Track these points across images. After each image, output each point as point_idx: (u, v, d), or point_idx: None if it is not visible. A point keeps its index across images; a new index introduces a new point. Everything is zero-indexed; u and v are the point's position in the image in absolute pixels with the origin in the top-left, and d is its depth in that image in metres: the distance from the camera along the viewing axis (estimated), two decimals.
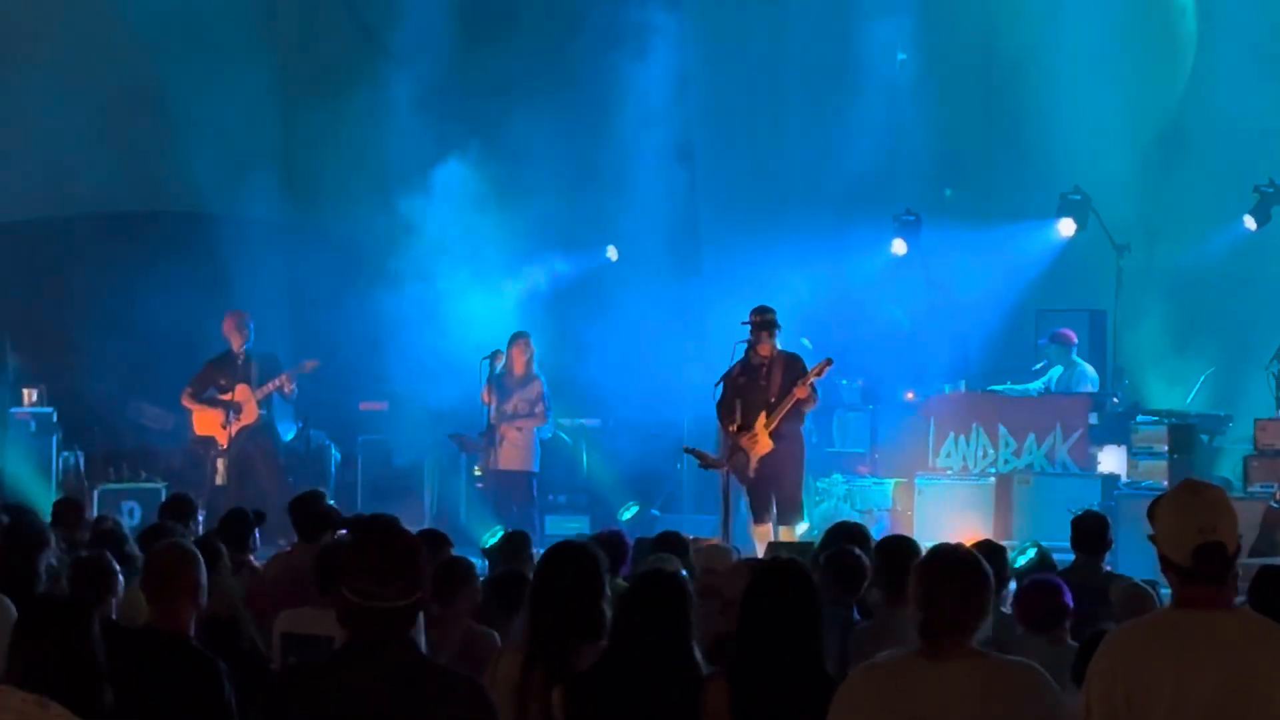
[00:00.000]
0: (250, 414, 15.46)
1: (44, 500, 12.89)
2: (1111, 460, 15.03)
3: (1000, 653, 4.99)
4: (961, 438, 15.62)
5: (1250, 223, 16.01)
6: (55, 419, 15.88)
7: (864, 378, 16.42)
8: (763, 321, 13.01)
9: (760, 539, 12.67)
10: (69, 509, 10.34)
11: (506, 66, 17.15)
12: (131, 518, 14.46)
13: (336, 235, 18.25)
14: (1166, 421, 14.80)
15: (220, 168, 17.05)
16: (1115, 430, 15.14)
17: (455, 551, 8.25)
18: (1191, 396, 15.98)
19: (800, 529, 13.00)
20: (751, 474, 12.99)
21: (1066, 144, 16.55)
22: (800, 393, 12.88)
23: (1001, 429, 15.47)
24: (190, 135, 17.02)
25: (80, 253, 17.19)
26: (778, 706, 5.43)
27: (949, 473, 15.47)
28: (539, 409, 15.22)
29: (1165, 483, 13.56)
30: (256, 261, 16.85)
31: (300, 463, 16.19)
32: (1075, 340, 15.89)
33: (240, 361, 15.49)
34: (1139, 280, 16.37)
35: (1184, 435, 14.69)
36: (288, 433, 16.18)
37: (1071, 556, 8.75)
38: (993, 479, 15.15)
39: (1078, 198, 16.44)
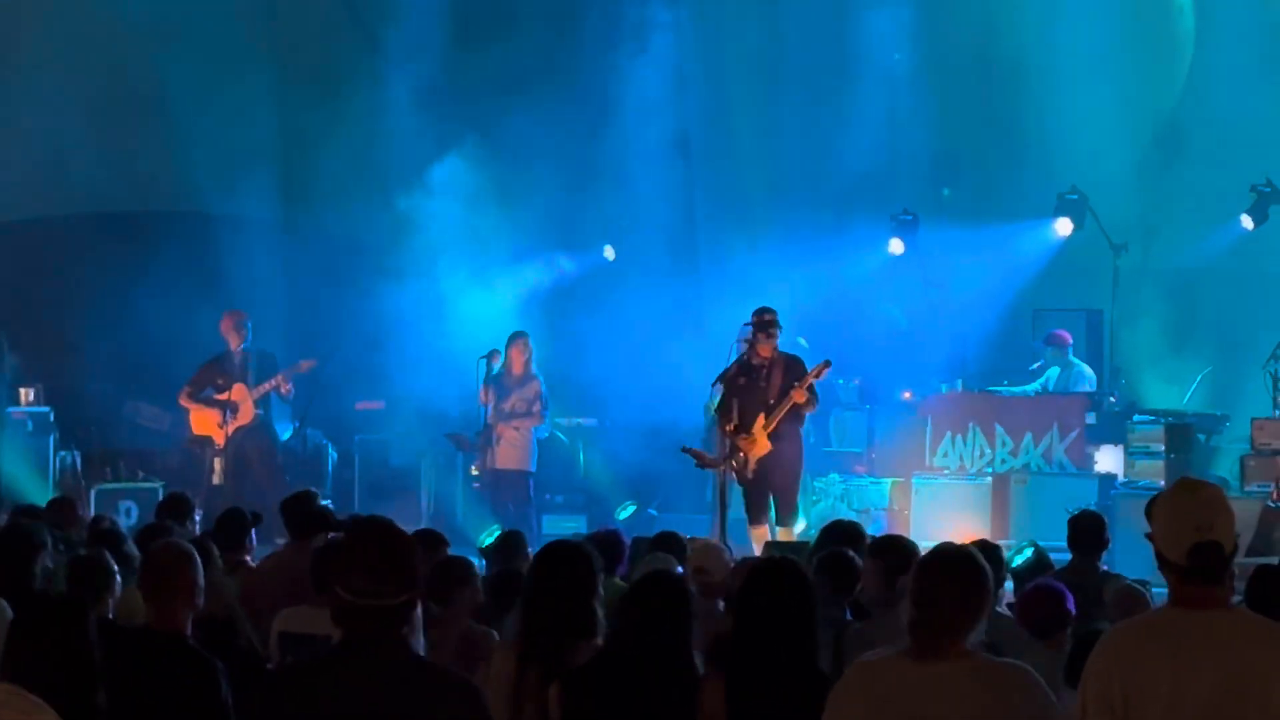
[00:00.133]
0: (247, 413, 15.46)
1: (41, 500, 12.87)
2: (1108, 460, 15.04)
3: (997, 651, 4.99)
4: (958, 437, 15.62)
5: (1247, 222, 16.01)
6: (52, 418, 15.86)
7: (861, 377, 16.41)
8: (764, 322, 13.00)
9: (757, 541, 12.66)
10: (62, 508, 10.33)
11: (504, 64, 17.13)
12: (128, 517, 14.45)
13: (334, 234, 18.24)
14: (1163, 421, 14.81)
15: (218, 167, 17.05)
16: (1112, 430, 15.14)
17: (452, 551, 8.25)
18: (1188, 396, 15.98)
19: (798, 528, 13.00)
20: (750, 475, 12.98)
21: (1064, 144, 16.55)
22: (798, 398, 12.87)
23: (998, 428, 15.47)
24: (188, 135, 17.02)
25: (78, 252, 17.18)
26: (773, 705, 5.44)
27: (946, 472, 15.47)
28: (536, 409, 15.22)
29: (1162, 482, 13.56)
30: (254, 261, 16.84)
31: (297, 462, 16.18)
32: (1070, 341, 15.89)
33: (238, 361, 15.50)
34: (1136, 280, 16.38)
35: (1181, 435, 14.70)
36: (285, 432, 16.17)
37: (1068, 556, 8.75)
38: (989, 479, 15.15)
39: (1075, 197, 16.43)
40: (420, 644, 6.08)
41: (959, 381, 16.19)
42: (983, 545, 7.53)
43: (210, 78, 16.96)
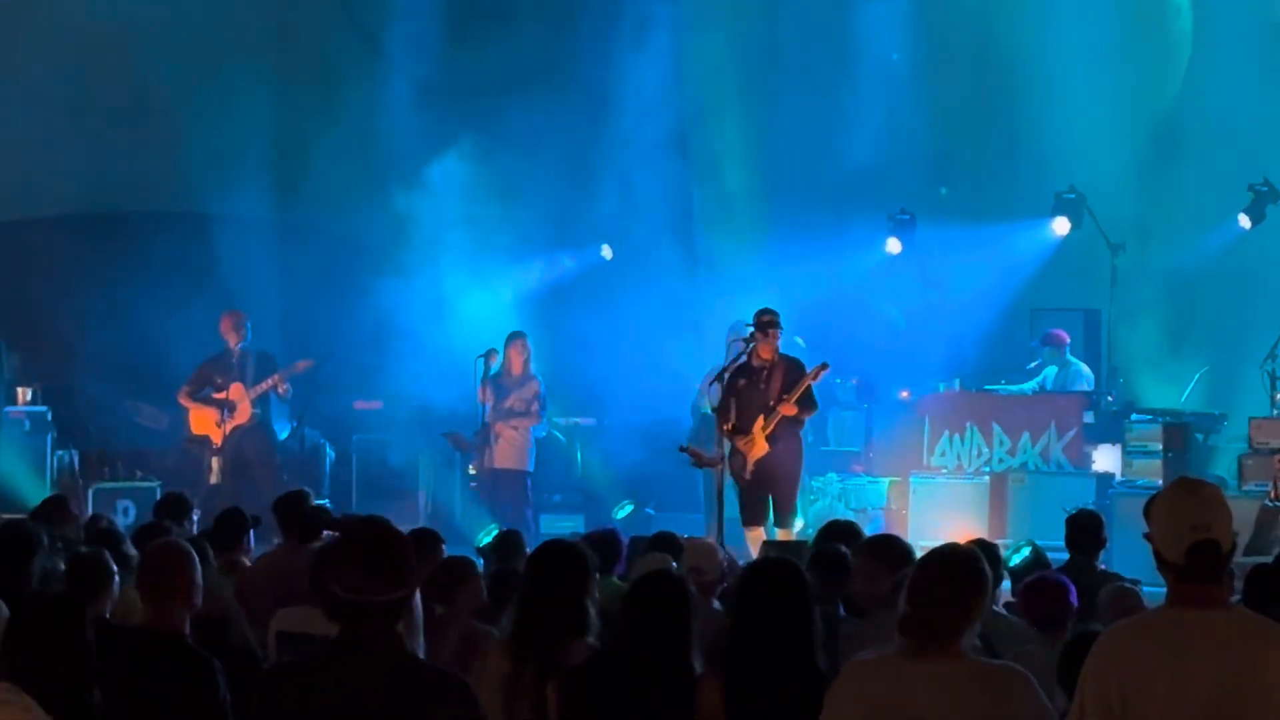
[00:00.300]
0: (244, 413, 15.45)
1: (38, 500, 12.86)
2: (1106, 459, 15.04)
3: (993, 651, 4.99)
4: (956, 436, 15.62)
5: (1245, 221, 16.01)
6: (50, 418, 15.86)
7: (859, 376, 16.40)
8: (764, 323, 12.98)
9: (753, 543, 12.65)
10: (56, 506, 10.32)
11: (501, 63, 17.12)
12: (126, 516, 14.44)
13: (331, 234, 18.24)
14: (1161, 420, 14.81)
15: (215, 167, 17.04)
16: (1110, 429, 15.14)
17: (450, 550, 8.24)
18: (1186, 395, 15.97)
19: (796, 528, 13.00)
20: (748, 476, 12.98)
21: (1061, 143, 16.54)
22: (786, 411, 12.85)
23: (996, 427, 15.47)
24: (185, 134, 17.02)
25: (75, 251, 17.18)
26: (771, 703, 5.44)
27: (944, 471, 15.47)
28: (534, 408, 15.23)
29: (1160, 481, 13.56)
30: (251, 260, 16.82)
31: (295, 461, 16.17)
32: (1067, 340, 15.88)
33: (236, 360, 15.50)
34: (1134, 279, 16.37)
35: (1179, 434, 14.70)
36: (283, 432, 16.17)
37: (1066, 555, 8.74)
38: (987, 478, 15.14)
39: (1072, 196, 16.43)
40: (420, 643, 6.09)
41: (956, 381, 16.19)
42: (981, 545, 7.52)
43: (207, 77, 16.96)
